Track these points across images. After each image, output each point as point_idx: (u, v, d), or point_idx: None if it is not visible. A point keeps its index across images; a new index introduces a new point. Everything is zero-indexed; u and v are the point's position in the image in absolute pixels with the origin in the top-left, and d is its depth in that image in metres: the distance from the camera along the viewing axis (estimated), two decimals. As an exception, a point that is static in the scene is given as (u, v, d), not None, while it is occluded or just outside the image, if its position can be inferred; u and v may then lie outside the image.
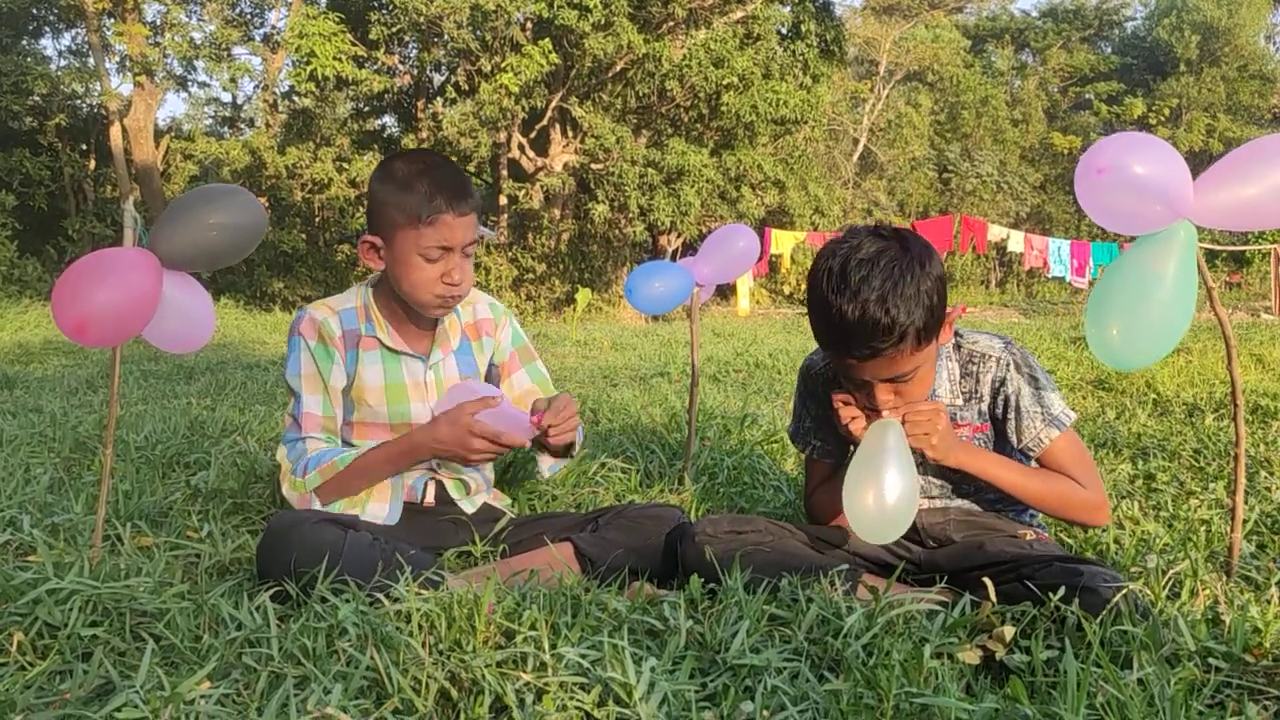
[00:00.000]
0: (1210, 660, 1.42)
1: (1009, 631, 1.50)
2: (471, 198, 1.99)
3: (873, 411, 1.80)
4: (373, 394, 2.05)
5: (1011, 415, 1.87)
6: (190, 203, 1.88)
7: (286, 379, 2.06)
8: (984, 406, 1.90)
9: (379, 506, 2.01)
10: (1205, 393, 4.39)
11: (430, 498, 2.09)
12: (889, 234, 1.73)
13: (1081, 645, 1.45)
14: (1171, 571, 1.78)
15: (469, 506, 2.12)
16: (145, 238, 1.88)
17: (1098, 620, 1.49)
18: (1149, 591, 1.71)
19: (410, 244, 1.94)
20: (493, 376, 2.24)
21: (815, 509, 2.10)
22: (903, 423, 1.73)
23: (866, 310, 1.64)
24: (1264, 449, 3.12)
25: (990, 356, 1.89)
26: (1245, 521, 2.23)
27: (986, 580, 1.63)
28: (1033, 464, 1.93)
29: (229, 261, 1.94)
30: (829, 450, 2.06)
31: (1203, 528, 2.23)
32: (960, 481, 1.96)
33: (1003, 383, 1.87)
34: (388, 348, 2.07)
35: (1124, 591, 1.54)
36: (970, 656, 1.47)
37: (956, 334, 1.92)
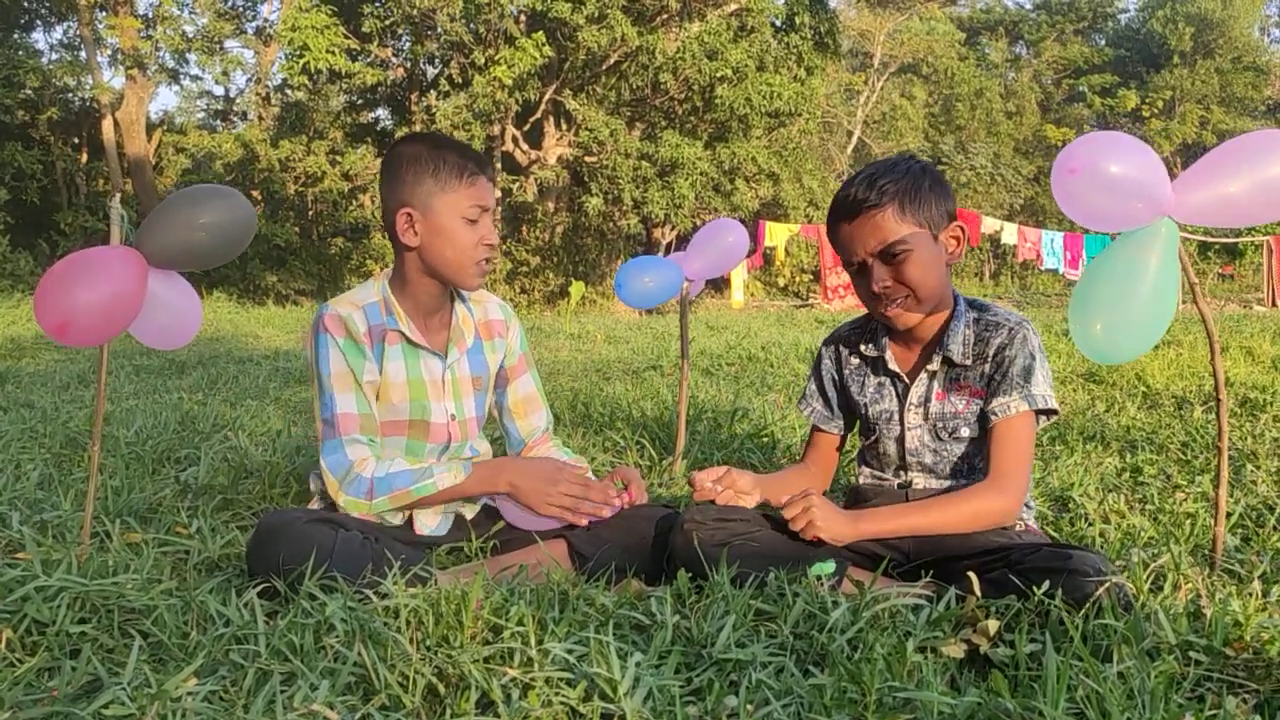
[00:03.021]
0: (1191, 654, 1.44)
1: (993, 625, 1.50)
2: (491, 164, 2.08)
3: (874, 300, 1.91)
4: (397, 390, 2.03)
5: (998, 377, 1.92)
6: (178, 203, 1.88)
7: (318, 379, 1.98)
8: (986, 368, 1.95)
9: (430, 520, 2.03)
10: (1194, 386, 4.40)
11: None
12: (907, 155, 1.95)
13: (1064, 639, 1.46)
14: (1154, 565, 1.79)
15: (469, 512, 2.13)
16: (131, 234, 1.88)
17: (1080, 613, 1.50)
18: (1132, 585, 1.73)
19: (452, 208, 1.99)
20: (501, 379, 2.25)
21: None
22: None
23: (857, 180, 1.89)
24: (1251, 442, 3.13)
25: (1004, 326, 1.95)
26: (1230, 515, 2.24)
27: (971, 575, 1.65)
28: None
29: (218, 262, 1.94)
30: (824, 416, 2.18)
31: (1188, 521, 2.25)
32: (950, 470, 1.99)
33: (1005, 347, 1.93)
34: (409, 342, 2.05)
35: (1107, 584, 1.55)
36: (954, 650, 1.48)
37: (981, 306, 2.00)
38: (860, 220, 1.86)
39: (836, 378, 2.15)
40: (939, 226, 1.90)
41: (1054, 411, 1.92)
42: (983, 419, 1.94)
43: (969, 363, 1.95)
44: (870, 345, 2.07)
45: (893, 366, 2.02)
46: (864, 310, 2.08)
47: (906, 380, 2.01)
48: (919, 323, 1.95)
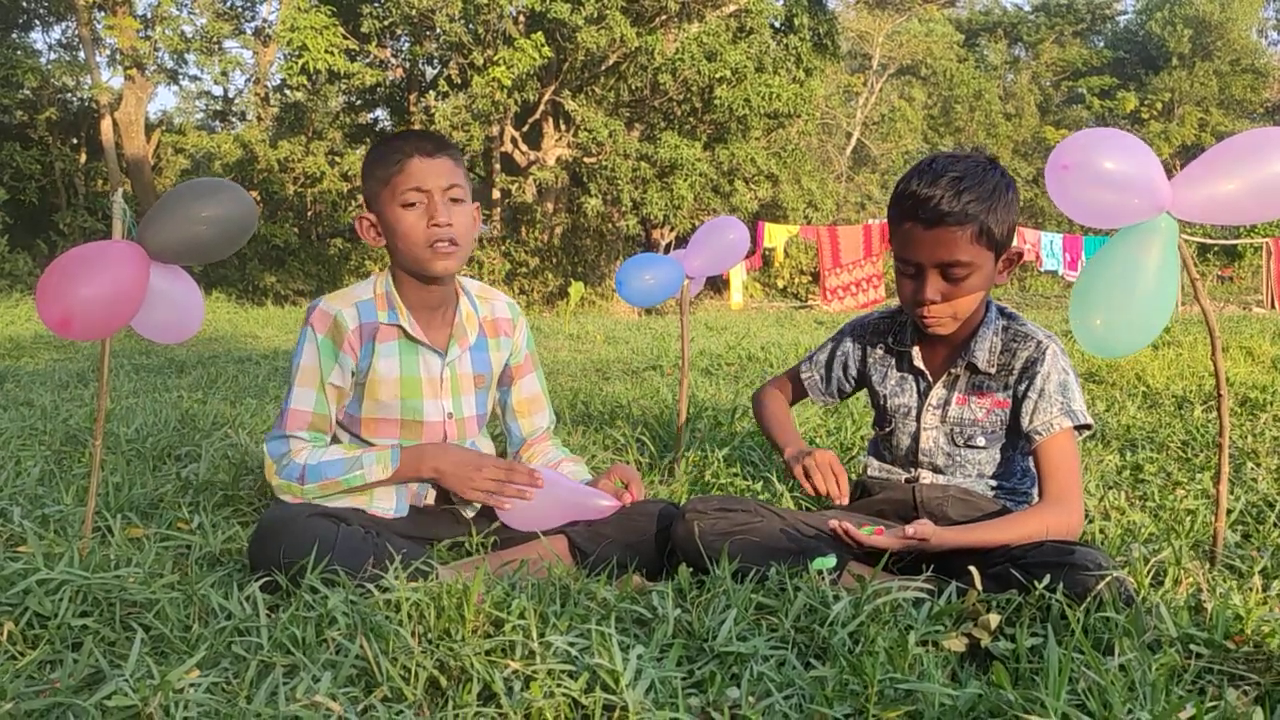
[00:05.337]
0: (1192, 647, 1.44)
1: (994, 619, 1.51)
2: (441, 144, 2.01)
3: (917, 304, 1.87)
4: (387, 387, 2.03)
5: (1033, 395, 1.90)
6: (180, 196, 1.88)
7: (290, 368, 2.04)
8: (1011, 380, 1.94)
9: (385, 502, 2.02)
10: (1194, 385, 4.41)
11: (431, 499, 2.10)
12: (985, 156, 1.88)
13: (1065, 632, 1.47)
14: (1155, 560, 1.79)
15: (469, 511, 2.13)
16: (134, 230, 1.88)
17: (1082, 607, 1.50)
18: (1133, 580, 1.73)
19: (388, 199, 1.97)
20: (506, 378, 2.25)
21: (761, 396, 2.36)
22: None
23: (940, 183, 1.79)
24: (1251, 440, 3.14)
25: (1032, 339, 1.94)
26: (1230, 511, 2.24)
27: (972, 569, 1.65)
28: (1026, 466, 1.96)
29: (219, 255, 1.94)
30: (818, 389, 2.24)
31: (1188, 517, 2.25)
32: (960, 475, 1.99)
33: (1035, 362, 1.92)
34: (408, 337, 2.05)
35: (1108, 579, 1.55)
36: (955, 644, 1.48)
37: (1010, 315, 2.00)
38: (937, 231, 1.80)
39: (858, 364, 2.15)
40: (1004, 248, 1.87)
41: (1089, 426, 1.91)
42: (1018, 435, 1.93)
43: (993, 371, 1.95)
44: (897, 339, 2.07)
45: (918, 363, 2.02)
46: (865, 308, 2.09)
47: (930, 379, 2.01)
48: (951, 331, 1.94)
